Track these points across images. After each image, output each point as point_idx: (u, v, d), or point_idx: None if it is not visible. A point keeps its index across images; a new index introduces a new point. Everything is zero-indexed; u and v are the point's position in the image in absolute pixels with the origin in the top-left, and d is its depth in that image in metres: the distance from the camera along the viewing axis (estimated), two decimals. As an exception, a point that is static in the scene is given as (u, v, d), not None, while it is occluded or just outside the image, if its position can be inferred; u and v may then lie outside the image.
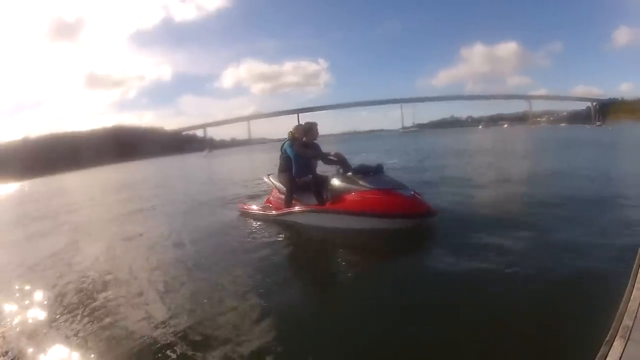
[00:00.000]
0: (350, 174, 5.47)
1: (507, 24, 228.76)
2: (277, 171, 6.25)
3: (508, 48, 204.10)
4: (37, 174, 74.61)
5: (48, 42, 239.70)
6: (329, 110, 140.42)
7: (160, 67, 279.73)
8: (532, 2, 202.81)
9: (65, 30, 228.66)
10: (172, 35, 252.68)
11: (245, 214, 6.81)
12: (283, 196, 6.10)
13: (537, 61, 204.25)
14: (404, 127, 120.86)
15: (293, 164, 5.92)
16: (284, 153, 6.05)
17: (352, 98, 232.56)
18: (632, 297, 2.41)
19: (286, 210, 5.91)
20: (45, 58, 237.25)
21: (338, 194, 5.44)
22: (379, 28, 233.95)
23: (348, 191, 5.32)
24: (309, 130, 6.02)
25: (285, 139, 6.13)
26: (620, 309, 2.32)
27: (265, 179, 6.84)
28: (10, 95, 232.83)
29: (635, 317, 2.18)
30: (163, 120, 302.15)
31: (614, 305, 2.39)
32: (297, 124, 6.26)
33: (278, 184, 6.30)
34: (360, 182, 5.28)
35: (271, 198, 6.71)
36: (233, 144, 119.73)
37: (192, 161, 41.70)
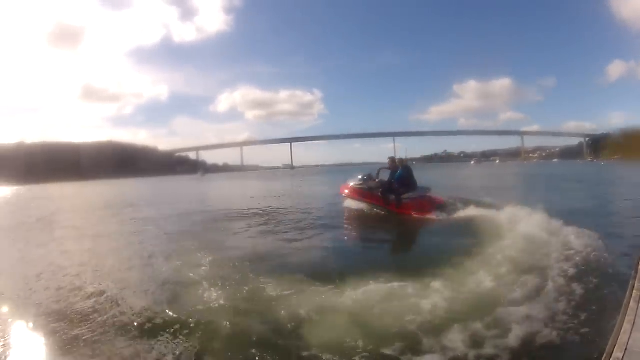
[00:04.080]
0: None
1: (500, 60, 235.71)
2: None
3: (501, 84, 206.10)
4: (30, 181, 75.18)
5: (47, 48, 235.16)
6: (323, 141, 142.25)
7: (157, 85, 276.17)
8: (525, 39, 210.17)
9: (66, 38, 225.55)
10: (171, 54, 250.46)
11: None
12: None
13: (530, 96, 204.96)
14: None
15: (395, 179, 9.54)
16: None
17: (346, 129, 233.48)
18: (622, 329, 2.45)
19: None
20: (43, 65, 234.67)
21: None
22: (372, 61, 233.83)
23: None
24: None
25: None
26: (610, 341, 2.36)
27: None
28: (7, 98, 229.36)
29: (626, 349, 2.21)
30: (157, 139, 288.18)
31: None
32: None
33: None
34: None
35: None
36: (226, 168, 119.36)
37: (189, 183, 41.27)
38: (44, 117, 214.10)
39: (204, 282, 4.48)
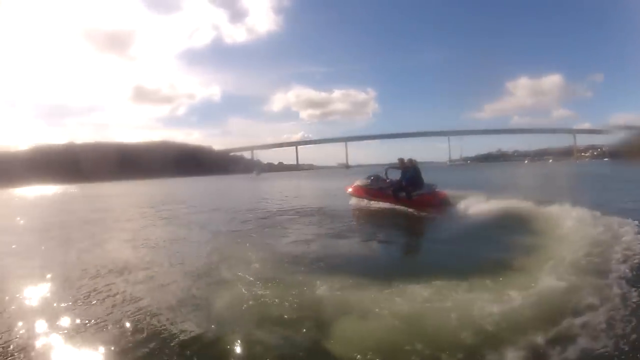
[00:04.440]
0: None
1: (550, 56, 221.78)
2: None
3: (552, 80, 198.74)
4: (80, 180, 78.26)
5: (98, 53, 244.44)
6: (377, 140, 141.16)
7: (209, 86, 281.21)
8: (573, 33, 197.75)
9: (116, 42, 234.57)
10: (222, 55, 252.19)
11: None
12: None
13: (581, 93, 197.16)
14: (451, 160, 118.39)
15: (406, 179, 10.75)
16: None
17: (400, 128, 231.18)
18: None
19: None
20: (95, 68, 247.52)
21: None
22: (425, 57, 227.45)
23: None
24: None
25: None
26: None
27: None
28: (57, 100, 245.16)
29: None
30: (210, 139, 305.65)
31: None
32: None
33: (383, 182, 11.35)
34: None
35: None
36: (280, 168, 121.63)
37: (244, 182, 42.25)
38: (95, 119, 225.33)
39: (254, 280, 4.61)
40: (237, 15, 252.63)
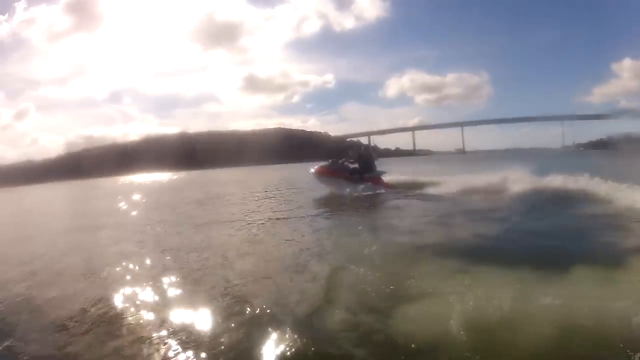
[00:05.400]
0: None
1: None
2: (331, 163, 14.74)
3: None
4: (195, 167, 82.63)
5: (207, 47, 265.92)
6: (492, 125, 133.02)
7: (323, 74, 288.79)
8: None
9: (225, 37, 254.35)
10: (332, 43, 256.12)
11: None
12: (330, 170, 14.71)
13: None
14: (564, 146, 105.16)
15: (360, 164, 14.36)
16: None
17: (515, 112, 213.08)
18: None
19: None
20: (207, 59, 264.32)
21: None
22: (535, 38, 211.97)
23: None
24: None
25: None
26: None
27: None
28: (170, 92, 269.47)
29: None
30: (326, 126, 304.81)
31: None
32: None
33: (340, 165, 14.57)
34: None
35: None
36: (397, 153, 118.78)
37: None
38: (208, 109, 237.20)
39: (370, 264, 4.93)
40: (343, 3, 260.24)
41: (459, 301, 3.63)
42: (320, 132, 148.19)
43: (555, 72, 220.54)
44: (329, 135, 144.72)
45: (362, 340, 3.22)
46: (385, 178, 14.76)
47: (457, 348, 2.98)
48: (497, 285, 3.95)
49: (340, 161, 14.79)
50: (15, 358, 3.43)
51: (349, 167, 14.51)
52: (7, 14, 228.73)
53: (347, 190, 13.73)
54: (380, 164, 15.68)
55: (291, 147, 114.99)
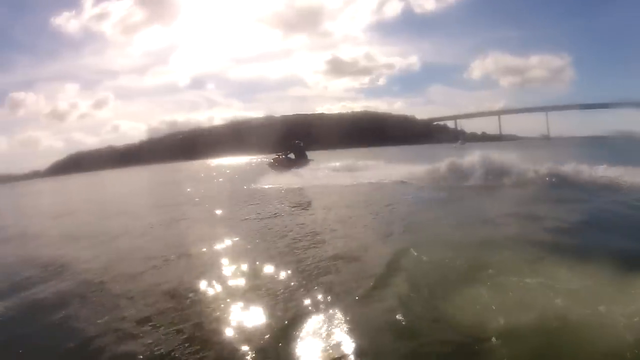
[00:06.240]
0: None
1: None
2: (284, 156, 22.19)
3: None
4: (278, 151, 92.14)
5: (290, 31, 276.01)
6: (575, 111, 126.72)
7: (407, 56, 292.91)
8: None
9: (306, 21, 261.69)
10: (414, 24, 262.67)
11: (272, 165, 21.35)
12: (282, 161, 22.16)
13: None
14: None
15: (296, 156, 21.78)
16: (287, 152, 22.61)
17: (597, 98, 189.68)
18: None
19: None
20: (288, 43, 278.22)
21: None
22: (622, 18, 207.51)
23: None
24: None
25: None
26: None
27: (274, 156, 23.02)
28: (254, 77, 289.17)
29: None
30: (413, 108, 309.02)
31: None
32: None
33: (282, 158, 21.98)
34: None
35: (273, 161, 22.21)
36: (483, 138, 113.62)
37: (449, 152, 32.38)
38: (294, 93, 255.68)
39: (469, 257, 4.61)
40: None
41: (534, 294, 3.49)
42: (406, 115, 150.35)
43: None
44: (415, 119, 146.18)
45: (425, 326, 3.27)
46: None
47: (524, 345, 2.85)
48: (577, 281, 3.69)
49: (284, 155, 21.86)
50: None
51: (289, 158, 21.40)
52: (73, 11, 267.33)
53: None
54: (468, 148, 21.75)
55: (377, 130, 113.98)
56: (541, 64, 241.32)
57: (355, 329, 3.30)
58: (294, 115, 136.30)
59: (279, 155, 22.53)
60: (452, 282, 4.02)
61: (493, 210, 7.82)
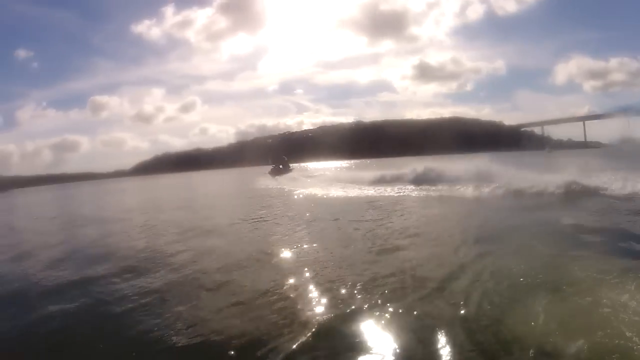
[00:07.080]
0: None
1: None
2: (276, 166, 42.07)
3: None
4: (367, 156, 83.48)
5: (376, 36, 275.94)
6: None
7: (493, 60, 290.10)
8: None
9: (392, 26, 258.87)
10: (497, 28, 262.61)
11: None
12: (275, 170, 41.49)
13: None
14: None
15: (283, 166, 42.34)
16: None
17: None
18: None
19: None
20: (375, 49, 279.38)
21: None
22: None
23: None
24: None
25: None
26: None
27: (272, 168, 41.80)
28: (342, 82, 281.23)
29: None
30: (501, 114, 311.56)
31: None
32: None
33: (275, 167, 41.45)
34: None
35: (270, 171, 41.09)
36: (569, 145, 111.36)
37: (537, 160, 36.21)
38: (384, 98, 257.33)
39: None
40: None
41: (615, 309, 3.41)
42: (494, 122, 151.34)
43: None
44: (503, 125, 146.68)
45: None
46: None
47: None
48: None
49: (277, 166, 37.16)
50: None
51: (280, 168, 36.52)
52: (154, 19, 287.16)
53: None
54: (556, 156, 25.50)
55: (466, 137, 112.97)
56: (620, 67, 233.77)
57: (415, 329, 3.73)
58: (382, 120, 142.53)
59: (274, 166, 38.55)
60: (531, 293, 4.18)
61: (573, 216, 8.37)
